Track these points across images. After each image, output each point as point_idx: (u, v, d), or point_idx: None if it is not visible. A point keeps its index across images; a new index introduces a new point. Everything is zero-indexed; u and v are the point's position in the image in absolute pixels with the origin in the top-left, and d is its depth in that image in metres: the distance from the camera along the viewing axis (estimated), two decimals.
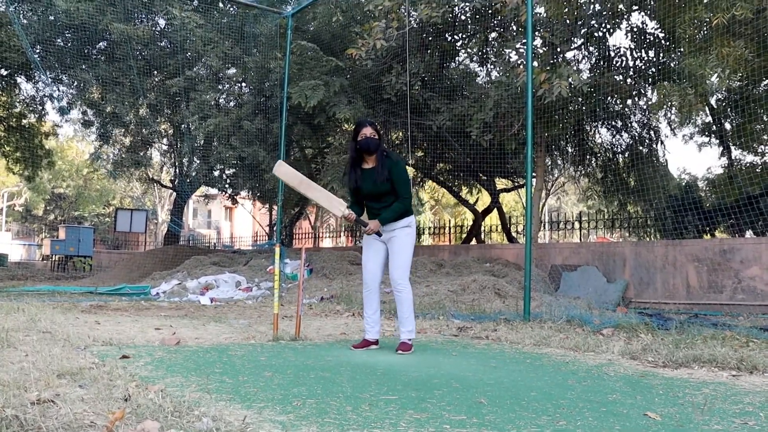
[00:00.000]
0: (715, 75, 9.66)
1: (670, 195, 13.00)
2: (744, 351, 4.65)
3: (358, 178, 5.12)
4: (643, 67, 12.52)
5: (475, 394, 3.31)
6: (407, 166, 17.46)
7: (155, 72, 16.82)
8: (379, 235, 5.07)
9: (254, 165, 15.16)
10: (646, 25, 12.28)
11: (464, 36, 14.09)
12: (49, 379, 3.14)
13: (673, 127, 15.36)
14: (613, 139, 15.03)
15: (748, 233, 12.33)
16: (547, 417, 2.83)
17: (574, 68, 11.33)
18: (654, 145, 14.62)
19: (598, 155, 15.32)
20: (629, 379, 3.89)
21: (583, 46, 12.45)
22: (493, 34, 13.46)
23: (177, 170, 21.49)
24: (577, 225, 14.79)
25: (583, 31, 11.72)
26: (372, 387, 3.44)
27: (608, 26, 11.90)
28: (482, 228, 18.87)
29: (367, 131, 5.03)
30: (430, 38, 13.56)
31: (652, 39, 12.28)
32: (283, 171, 5.36)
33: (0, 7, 15.73)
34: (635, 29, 12.28)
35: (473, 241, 18.14)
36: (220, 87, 16.73)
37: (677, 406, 3.13)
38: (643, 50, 12.47)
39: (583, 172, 16.18)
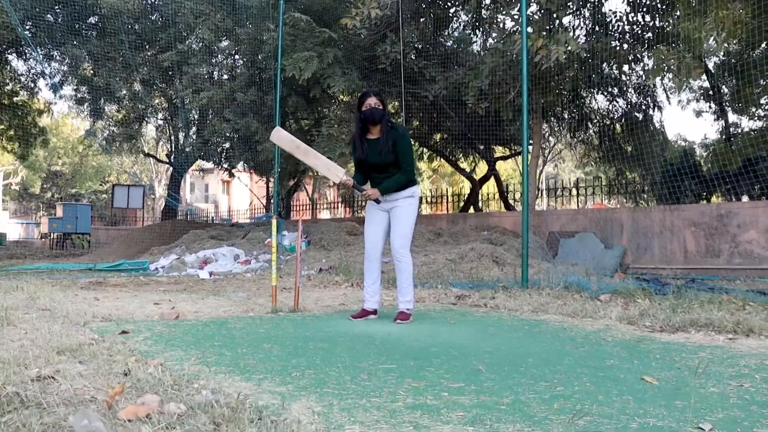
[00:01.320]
0: (712, 38, 9.58)
1: (666, 160, 12.98)
2: (740, 314, 4.68)
3: (363, 149, 5.09)
4: (639, 31, 12.42)
5: (474, 362, 3.33)
6: None
7: (147, 46, 16.67)
8: (378, 201, 5.06)
9: (249, 137, 15.10)
10: None
11: (458, 2, 13.95)
12: (48, 355, 3.15)
13: (670, 92, 15.31)
14: (610, 105, 14.98)
15: (745, 197, 12.33)
16: (545, 383, 2.85)
17: (571, 34, 11.24)
18: (651, 111, 14.57)
19: (595, 121, 15.27)
20: (626, 344, 3.92)
21: (578, 11, 12.33)
22: (487, 0, 13.33)
23: (173, 144, 21.41)
24: (574, 192, 14.79)
25: None
26: (370, 357, 3.45)
27: None
28: (480, 196, 18.86)
29: (372, 101, 5.00)
30: (424, 5, 13.43)
31: (648, 2, 12.16)
32: (280, 136, 5.36)
33: None
34: None
35: (471, 210, 18.15)
36: (213, 60, 16.59)
37: (674, 370, 3.15)
38: (639, 14, 12.36)
39: (579, 138, 16.14)
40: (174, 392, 2.45)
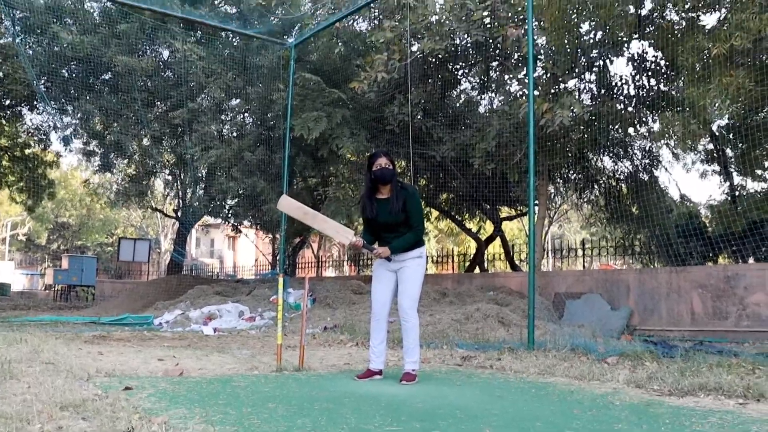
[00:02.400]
0: (716, 104, 9.71)
1: (672, 221, 12.99)
2: (750, 378, 4.63)
3: (373, 209, 5.12)
4: (644, 95, 12.59)
5: (480, 425, 3.29)
6: None
7: (158, 103, 16.95)
8: (389, 260, 5.06)
9: (255, 195, 15.21)
10: (647, 54, 12.37)
11: (465, 66, 14.20)
12: (52, 411, 3.13)
13: (676, 154, 15.41)
14: (616, 167, 15.07)
15: (751, 259, 12.29)
16: None
17: (576, 98, 11.40)
18: (656, 172, 14.65)
19: (601, 183, 15.34)
20: (635, 408, 3.87)
21: (584, 75, 12.53)
22: (494, 63, 13.57)
23: (180, 200, 21.56)
24: (580, 252, 14.77)
25: (583, 60, 11.80)
26: (376, 418, 3.42)
27: (609, 55, 11.99)
28: (485, 256, 18.83)
29: (382, 161, 5.06)
30: (432, 68, 13.68)
31: (653, 67, 12.37)
32: (287, 204, 5.42)
33: (6, 39, 15.93)
34: (636, 57, 12.37)
35: (476, 270, 18.11)
36: (222, 118, 16.83)
37: None
38: (644, 78, 12.55)
39: (585, 199, 16.19)
40: None
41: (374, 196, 5.16)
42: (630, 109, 12.61)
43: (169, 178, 21.88)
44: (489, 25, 11.75)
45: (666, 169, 14.68)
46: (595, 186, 15.49)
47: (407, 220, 5.06)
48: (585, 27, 11.52)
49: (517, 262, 17.76)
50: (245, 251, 47.62)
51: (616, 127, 12.91)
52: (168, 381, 4.60)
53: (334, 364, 6.05)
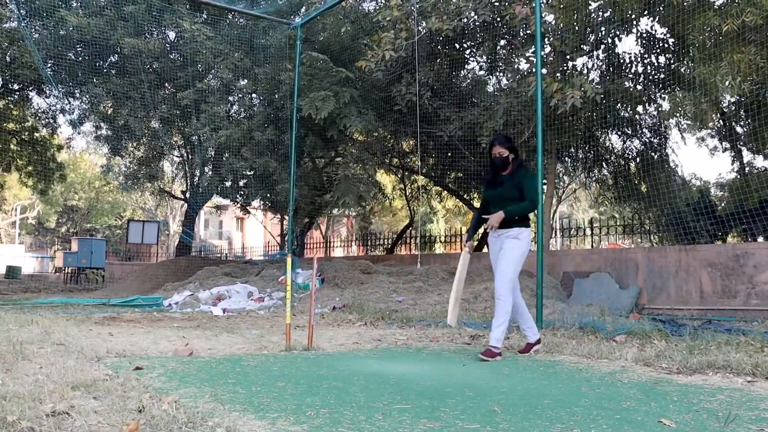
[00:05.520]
0: (727, 82, 9.60)
1: (681, 200, 12.92)
2: (759, 356, 4.62)
3: (495, 183, 5.55)
4: (653, 73, 12.47)
5: (489, 403, 3.30)
6: (419, 175, 17.51)
7: (166, 85, 16.89)
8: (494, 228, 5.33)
9: (265, 176, 15.19)
10: (656, 31, 12.25)
11: (473, 44, 14.09)
12: (63, 391, 3.16)
13: (684, 135, 15.31)
14: (624, 146, 14.98)
15: (761, 238, 12.23)
16: (561, 425, 2.82)
17: (587, 78, 11.29)
18: (665, 150, 14.55)
19: (609, 161, 15.27)
20: (643, 386, 3.87)
21: (593, 53, 12.42)
22: (502, 42, 13.47)
23: (188, 181, 21.58)
24: (588, 231, 14.73)
25: (592, 38, 11.69)
26: (385, 396, 3.44)
27: (618, 33, 11.87)
28: None
29: (496, 150, 5.51)
30: (439, 47, 13.58)
31: (662, 45, 12.24)
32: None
33: (12, 23, 15.89)
34: (645, 35, 12.24)
35: (484, 249, 18.10)
36: (230, 98, 16.77)
37: (692, 413, 3.11)
38: (653, 56, 12.43)
39: (594, 178, 16.13)
40: (188, 430, 2.45)
41: (496, 176, 5.56)
42: (639, 87, 12.50)
43: (178, 159, 21.88)
44: (497, 3, 11.64)
45: (673, 150, 14.55)
46: (604, 165, 15.41)
47: (521, 197, 5.34)
48: (593, 4, 11.40)
49: None
50: (254, 232, 47.77)
51: (625, 105, 12.82)
52: (178, 361, 4.63)
53: (343, 344, 6.08)
